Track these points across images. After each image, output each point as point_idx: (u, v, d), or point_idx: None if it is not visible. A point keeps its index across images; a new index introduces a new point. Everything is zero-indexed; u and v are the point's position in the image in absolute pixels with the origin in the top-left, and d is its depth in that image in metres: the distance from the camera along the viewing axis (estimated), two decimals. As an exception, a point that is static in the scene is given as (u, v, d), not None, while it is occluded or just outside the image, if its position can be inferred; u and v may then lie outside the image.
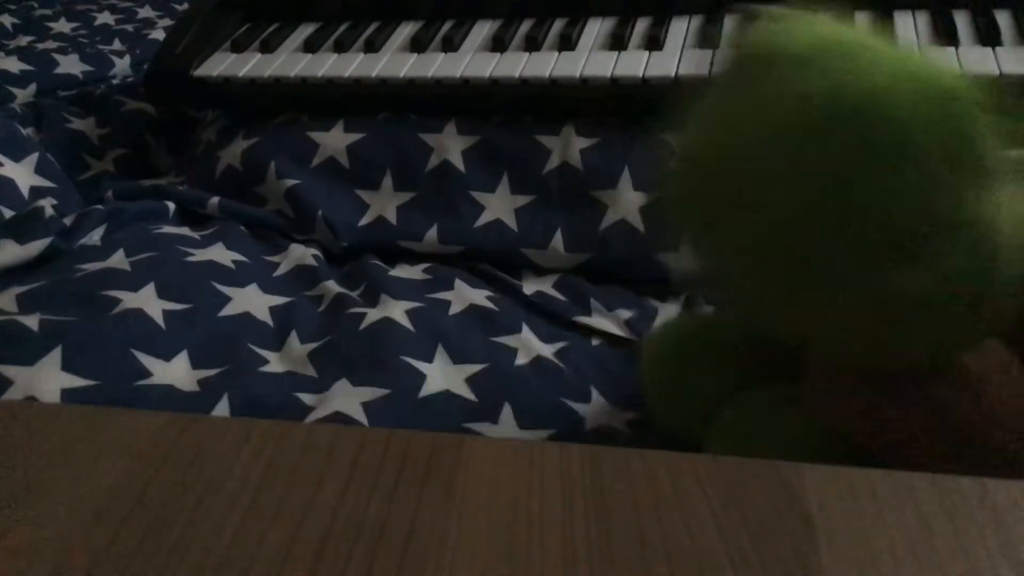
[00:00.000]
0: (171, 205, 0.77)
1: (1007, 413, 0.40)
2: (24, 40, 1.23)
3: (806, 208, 0.37)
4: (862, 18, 0.77)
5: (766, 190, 0.38)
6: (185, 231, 0.73)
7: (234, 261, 0.68)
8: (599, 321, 0.65)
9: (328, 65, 0.84)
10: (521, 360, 0.59)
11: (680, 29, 0.81)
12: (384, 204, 0.76)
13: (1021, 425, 0.40)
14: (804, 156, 0.36)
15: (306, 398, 0.55)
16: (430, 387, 0.56)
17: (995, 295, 0.37)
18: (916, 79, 0.36)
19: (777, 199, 0.37)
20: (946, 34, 0.73)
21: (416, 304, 0.64)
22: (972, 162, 0.36)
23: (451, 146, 0.77)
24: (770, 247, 0.38)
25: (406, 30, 0.89)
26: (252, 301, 0.64)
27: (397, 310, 0.62)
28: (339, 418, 0.52)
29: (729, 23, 0.80)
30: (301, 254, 0.72)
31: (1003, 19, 0.74)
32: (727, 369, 0.50)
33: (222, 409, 0.53)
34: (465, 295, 0.66)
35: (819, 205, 0.36)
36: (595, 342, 0.63)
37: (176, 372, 0.56)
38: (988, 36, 0.72)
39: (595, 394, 0.56)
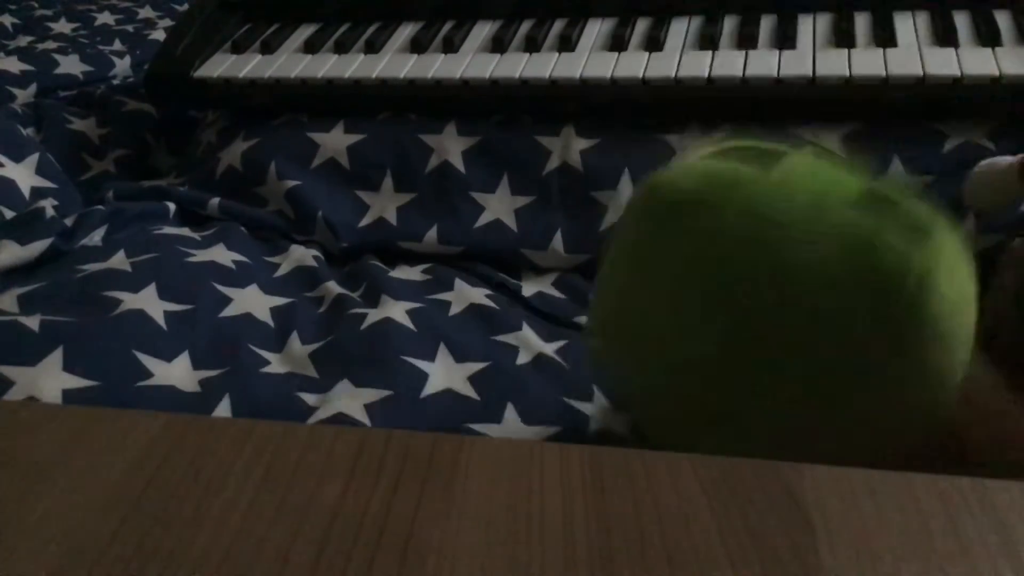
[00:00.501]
0: (172, 206, 0.77)
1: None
2: (24, 40, 1.23)
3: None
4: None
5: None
6: (186, 232, 0.73)
7: (235, 262, 0.68)
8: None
9: (328, 66, 0.84)
10: (523, 359, 0.59)
11: (680, 30, 0.81)
12: (384, 205, 0.76)
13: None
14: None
15: (307, 399, 0.55)
16: (432, 386, 0.56)
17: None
18: (849, 250, 0.36)
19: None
20: (946, 34, 0.73)
21: (416, 304, 0.64)
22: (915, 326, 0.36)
23: (451, 147, 0.77)
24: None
25: (406, 31, 0.89)
26: (253, 302, 0.64)
27: (397, 310, 0.62)
28: (341, 419, 0.52)
29: (730, 23, 0.80)
30: (301, 255, 0.72)
31: (1003, 19, 0.74)
32: None
33: (223, 410, 0.53)
34: (465, 295, 0.66)
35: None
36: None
37: (177, 373, 0.56)
38: (988, 36, 0.72)
39: (597, 393, 0.56)
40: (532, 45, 0.81)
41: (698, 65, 0.74)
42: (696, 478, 0.30)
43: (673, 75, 0.74)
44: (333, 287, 0.67)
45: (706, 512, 0.29)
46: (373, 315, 0.61)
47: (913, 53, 0.72)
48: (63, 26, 1.30)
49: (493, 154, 0.76)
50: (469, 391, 0.56)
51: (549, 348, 0.61)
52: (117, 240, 0.69)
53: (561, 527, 0.28)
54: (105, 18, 1.33)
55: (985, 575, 0.26)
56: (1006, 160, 0.58)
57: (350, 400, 0.54)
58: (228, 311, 0.62)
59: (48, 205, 0.70)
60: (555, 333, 0.63)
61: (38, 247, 0.66)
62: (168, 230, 0.72)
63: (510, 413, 0.54)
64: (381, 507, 0.29)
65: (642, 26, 0.83)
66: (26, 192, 0.77)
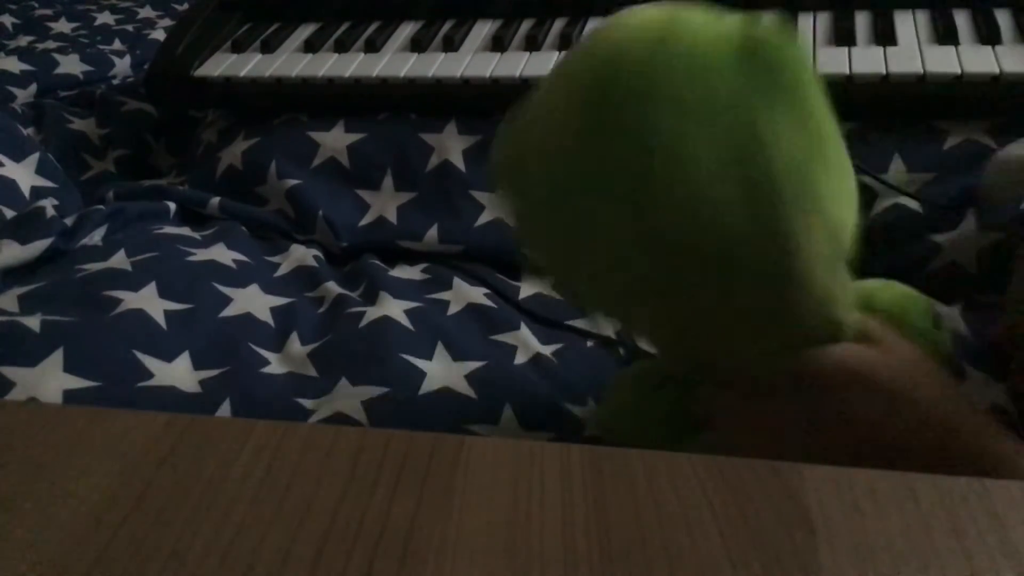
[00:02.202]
0: (172, 205, 0.77)
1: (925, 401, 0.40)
2: (24, 40, 1.23)
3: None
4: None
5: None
6: (186, 231, 0.73)
7: (235, 261, 0.68)
8: (595, 323, 0.65)
9: (328, 65, 0.84)
10: (520, 358, 0.59)
11: (680, 29, 0.81)
12: (384, 204, 0.76)
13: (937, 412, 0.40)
14: (600, 92, 0.36)
15: (307, 398, 0.55)
16: (430, 385, 0.56)
17: (792, 252, 0.36)
18: (728, 25, 0.36)
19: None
20: (946, 33, 0.73)
21: (415, 303, 0.64)
22: (782, 100, 0.35)
23: (451, 146, 0.77)
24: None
25: (406, 30, 0.89)
26: (253, 302, 0.64)
27: (396, 309, 0.62)
28: (340, 418, 0.52)
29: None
30: (302, 255, 0.72)
31: (1003, 18, 0.74)
32: (664, 410, 0.49)
33: (223, 412, 0.53)
34: (464, 294, 0.66)
35: (605, 143, 0.36)
36: (590, 343, 0.63)
37: (177, 373, 0.56)
38: (988, 35, 0.72)
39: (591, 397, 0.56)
40: (532, 44, 0.81)
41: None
42: (696, 478, 0.30)
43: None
44: (333, 287, 0.67)
45: (706, 512, 0.29)
46: (371, 313, 0.61)
47: (913, 51, 0.72)
48: (63, 26, 1.30)
49: (493, 153, 0.76)
50: (467, 390, 0.56)
51: (546, 350, 0.61)
52: (117, 240, 0.69)
53: (561, 527, 0.28)
54: (105, 18, 1.33)
55: (985, 575, 0.26)
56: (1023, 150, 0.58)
57: (348, 399, 0.54)
58: (228, 311, 0.62)
59: (48, 205, 0.70)
60: (552, 334, 0.63)
61: (38, 247, 0.66)
62: (168, 230, 0.72)
63: (508, 412, 0.54)
64: (381, 507, 0.29)
65: (642, 25, 0.82)
66: (26, 192, 0.77)
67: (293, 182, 0.77)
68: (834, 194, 0.37)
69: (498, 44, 0.82)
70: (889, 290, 0.48)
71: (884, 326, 0.43)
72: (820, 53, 0.73)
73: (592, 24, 0.84)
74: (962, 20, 0.75)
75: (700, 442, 0.46)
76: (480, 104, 0.80)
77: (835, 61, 0.72)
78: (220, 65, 0.87)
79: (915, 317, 0.47)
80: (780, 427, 0.41)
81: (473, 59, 0.81)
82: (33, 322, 0.55)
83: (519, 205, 0.41)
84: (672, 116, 0.35)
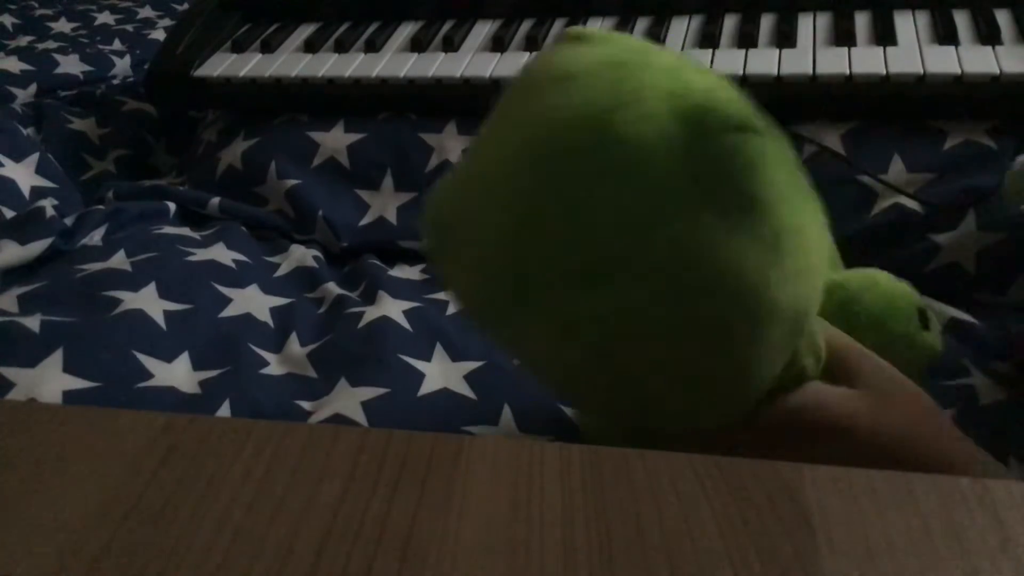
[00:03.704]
0: (172, 205, 0.77)
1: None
2: (24, 40, 1.23)
3: (519, 225, 0.33)
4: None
5: (492, 205, 0.34)
6: (186, 231, 0.73)
7: (235, 261, 0.68)
8: None
9: (328, 65, 0.84)
10: (520, 358, 0.59)
11: (680, 29, 0.81)
12: (384, 204, 0.76)
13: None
14: (532, 171, 0.33)
15: (306, 399, 0.55)
16: (429, 386, 0.56)
17: (729, 339, 0.33)
18: (678, 97, 0.32)
19: (499, 216, 0.34)
20: (946, 34, 0.73)
21: (414, 304, 0.64)
22: (720, 189, 0.31)
23: (451, 146, 0.77)
24: (483, 270, 0.35)
25: (406, 30, 0.89)
26: (253, 302, 0.64)
27: (395, 309, 0.62)
28: (339, 418, 0.52)
29: (730, 22, 0.80)
30: (302, 255, 0.72)
31: (1003, 19, 0.74)
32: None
33: (223, 413, 0.53)
34: (465, 295, 0.66)
35: (530, 221, 0.32)
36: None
37: (177, 374, 0.56)
38: (988, 36, 0.72)
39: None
40: (532, 44, 0.81)
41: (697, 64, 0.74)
42: (696, 478, 0.30)
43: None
44: (333, 288, 0.67)
45: (706, 512, 0.29)
46: (370, 314, 0.61)
47: (913, 51, 0.72)
48: (63, 26, 1.30)
49: (493, 153, 0.76)
50: (466, 390, 0.56)
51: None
52: (117, 240, 0.69)
53: (561, 527, 0.28)
54: (105, 18, 1.33)
55: (985, 575, 0.26)
56: None
57: (347, 399, 0.54)
58: (228, 311, 0.62)
59: (48, 205, 0.70)
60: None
61: (38, 247, 0.66)
62: (168, 230, 0.72)
63: (506, 412, 0.54)
64: (381, 507, 0.29)
65: (642, 25, 0.83)
66: (26, 192, 0.77)
67: (293, 182, 0.77)
68: (796, 287, 0.34)
69: (498, 44, 0.82)
70: (872, 291, 0.46)
71: (860, 355, 0.40)
72: (820, 53, 0.73)
73: (592, 24, 0.84)
74: (962, 20, 0.75)
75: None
76: (480, 104, 0.79)
77: (835, 61, 0.72)
78: (220, 65, 0.87)
79: (897, 322, 0.45)
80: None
81: (473, 59, 0.81)
82: (33, 322, 0.55)
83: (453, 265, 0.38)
84: (615, 216, 0.31)
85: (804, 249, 0.34)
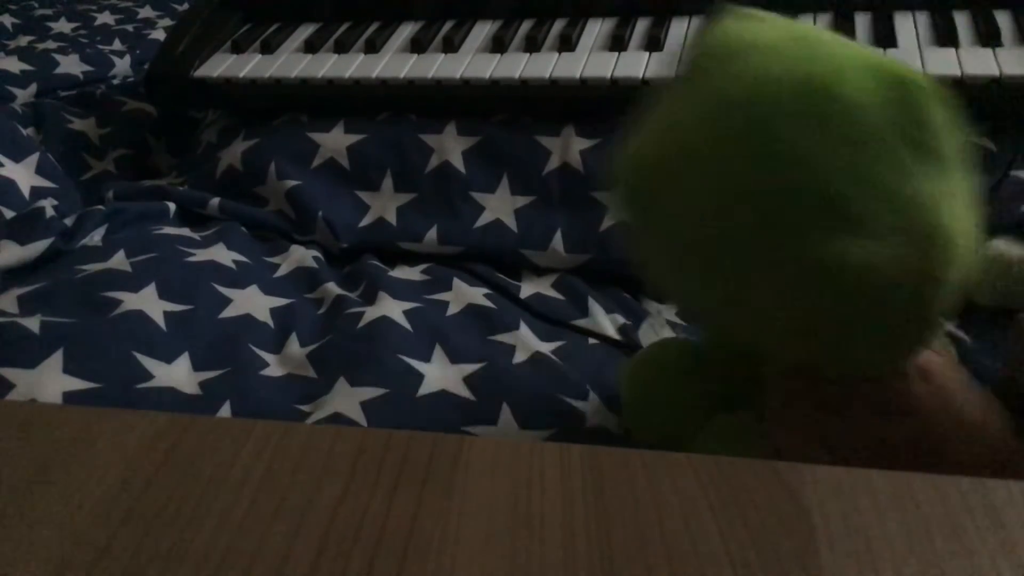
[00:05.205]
0: (172, 206, 0.77)
1: (977, 427, 0.40)
2: (24, 40, 1.23)
3: (757, 182, 0.36)
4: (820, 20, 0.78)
5: (716, 167, 0.37)
6: (186, 232, 0.73)
7: (235, 262, 0.68)
8: (595, 323, 0.65)
9: (328, 66, 0.84)
10: (519, 357, 0.59)
11: (680, 29, 0.81)
12: (384, 205, 0.76)
13: (991, 439, 0.40)
14: (765, 131, 0.36)
15: (306, 400, 0.55)
16: (428, 386, 0.56)
17: (936, 284, 0.36)
18: (875, 67, 0.37)
19: (728, 174, 0.37)
20: (946, 34, 0.73)
21: (414, 304, 0.64)
22: (925, 145, 0.36)
23: (451, 147, 0.77)
24: (710, 225, 0.38)
25: (406, 31, 0.89)
26: (253, 302, 0.64)
27: (395, 310, 0.62)
28: (338, 419, 0.52)
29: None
30: (302, 255, 0.72)
31: (1003, 19, 0.74)
32: (697, 393, 0.50)
33: (223, 414, 0.53)
34: (463, 295, 0.66)
35: (770, 179, 0.36)
36: (592, 341, 0.63)
37: (177, 374, 0.56)
38: (988, 36, 0.72)
39: (592, 393, 0.56)
40: (532, 45, 0.81)
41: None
42: (696, 478, 0.30)
43: (674, 74, 0.74)
44: (333, 288, 0.67)
45: (706, 512, 0.29)
46: (370, 314, 0.61)
47: (913, 53, 0.72)
48: (63, 26, 1.30)
49: (493, 154, 0.76)
50: (465, 391, 0.56)
51: (546, 347, 0.61)
52: (117, 240, 0.69)
53: (561, 527, 0.28)
54: (105, 18, 1.33)
55: (985, 575, 0.26)
56: None
57: (347, 399, 0.54)
58: (228, 312, 0.62)
59: (48, 205, 0.70)
60: (553, 333, 0.63)
61: (38, 247, 0.66)
62: (168, 230, 0.72)
63: (505, 413, 0.54)
64: (381, 507, 0.29)
65: (642, 26, 0.83)
66: (26, 192, 0.77)
67: (293, 183, 0.77)
68: (964, 228, 0.38)
69: (498, 45, 0.82)
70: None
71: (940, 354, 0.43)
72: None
73: (592, 25, 0.84)
74: (962, 22, 0.75)
75: (740, 420, 0.46)
76: (480, 105, 0.80)
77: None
78: (220, 65, 0.87)
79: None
80: (844, 443, 0.41)
81: (473, 60, 0.81)
82: (33, 323, 0.55)
83: (653, 219, 0.41)
84: (841, 151, 0.35)
85: (964, 212, 0.38)
